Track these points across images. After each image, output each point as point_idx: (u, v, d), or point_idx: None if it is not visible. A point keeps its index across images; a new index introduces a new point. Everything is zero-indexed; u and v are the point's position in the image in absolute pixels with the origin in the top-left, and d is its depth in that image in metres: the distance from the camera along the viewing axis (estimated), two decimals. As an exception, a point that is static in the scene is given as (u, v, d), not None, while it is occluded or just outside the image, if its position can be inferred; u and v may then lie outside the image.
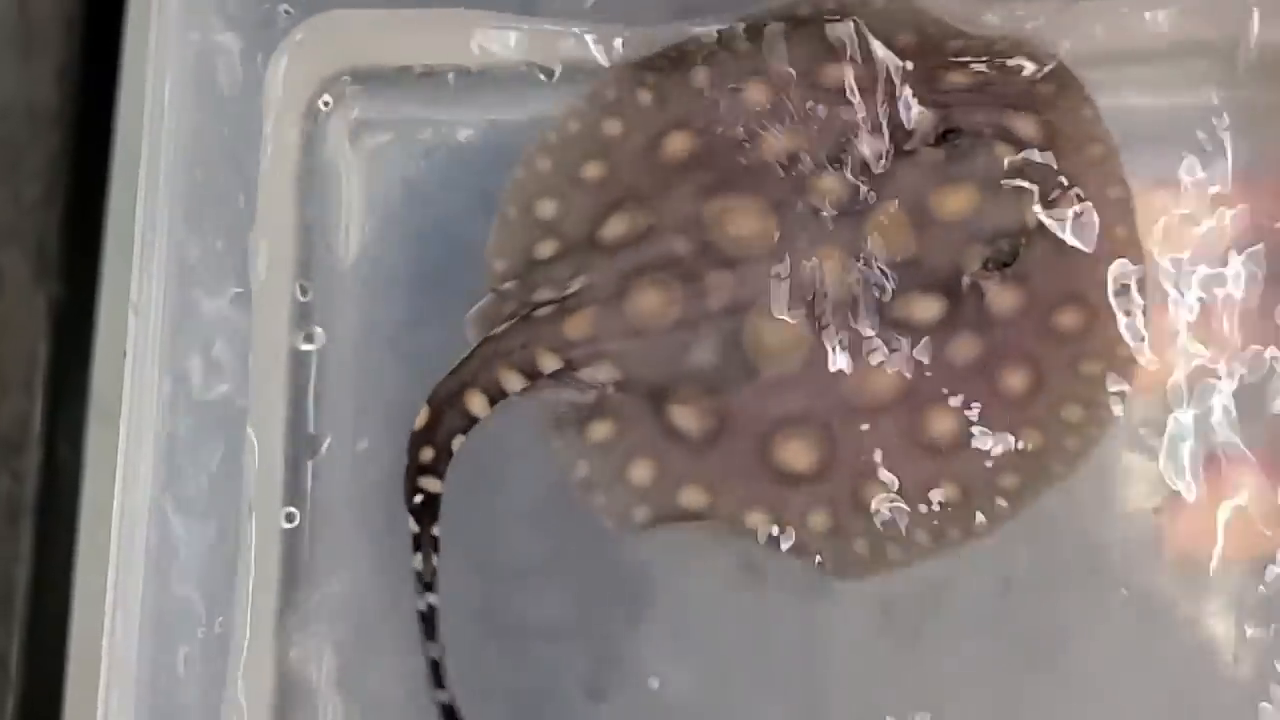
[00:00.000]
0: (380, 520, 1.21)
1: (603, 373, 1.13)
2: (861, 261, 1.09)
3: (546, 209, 1.20)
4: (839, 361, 1.09)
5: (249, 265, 1.26)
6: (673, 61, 1.23)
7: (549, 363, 1.14)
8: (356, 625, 1.23)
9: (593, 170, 1.21)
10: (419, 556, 1.13)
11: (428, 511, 1.14)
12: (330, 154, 1.33)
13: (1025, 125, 1.13)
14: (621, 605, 1.23)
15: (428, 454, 1.14)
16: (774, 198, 1.12)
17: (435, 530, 1.13)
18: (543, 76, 1.31)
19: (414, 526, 1.13)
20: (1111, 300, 1.11)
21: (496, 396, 1.15)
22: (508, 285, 1.18)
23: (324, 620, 1.23)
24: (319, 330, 1.29)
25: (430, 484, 1.14)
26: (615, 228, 1.17)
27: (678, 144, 1.18)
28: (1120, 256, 1.12)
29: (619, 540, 1.17)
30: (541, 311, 1.15)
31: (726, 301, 1.10)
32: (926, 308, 1.09)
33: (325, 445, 1.27)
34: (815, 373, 1.10)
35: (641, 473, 1.14)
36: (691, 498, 1.13)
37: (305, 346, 1.29)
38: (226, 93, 1.27)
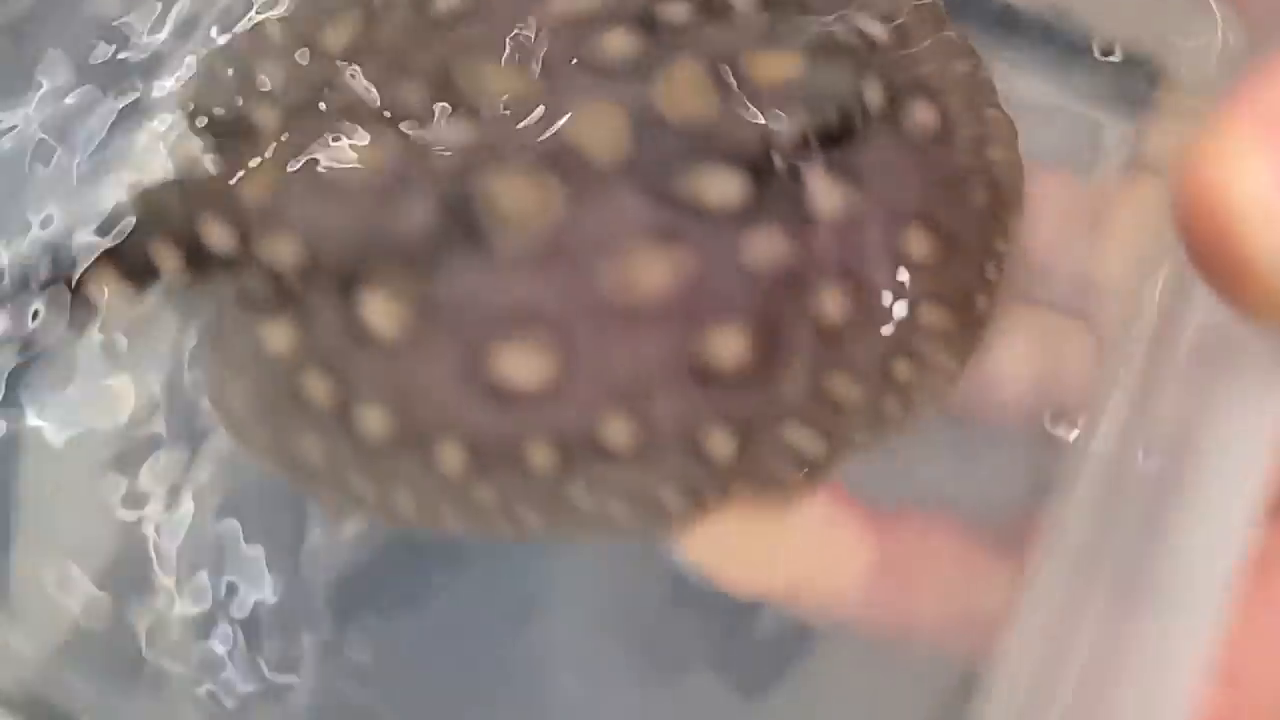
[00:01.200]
0: None
1: (284, 250, 0.82)
2: (641, 121, 0.81)
3: (270, 75, 0.93)
4: (595, 245, 0.79)
5: None
6: None
7: (219, 237, 0.83)
8: None
9: (333, 37, 0.93)
10: None
11: None
12: None
13: (875, 26, 0.88)
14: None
15: None
16: (545, 57, 0.86)
17: None
18: None
19: None
20: (971, 232, 0.82)
21: (142, 279, 0.84)
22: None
23: None
24: None
25: None
26: (336, 36, 0.90)
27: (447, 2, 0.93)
28: (990, 182, 0.84)
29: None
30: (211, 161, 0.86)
31: (457, 157, 0.81)
32: (722, 186, 0.79)
33: None
34: (563, 258, 0.79)
35: (317, 387, 0.80)
36: (373, 420, 0.78)
37: None
38: None
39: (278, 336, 0.81)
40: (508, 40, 0.87)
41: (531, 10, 0.89)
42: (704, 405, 0.76)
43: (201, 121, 0.91)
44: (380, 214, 0.81)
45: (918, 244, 0.80)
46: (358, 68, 0.89)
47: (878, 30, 0.87)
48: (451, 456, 0.77)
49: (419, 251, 0.80)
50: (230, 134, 0.89)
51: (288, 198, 0.83)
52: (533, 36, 0.87)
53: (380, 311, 0.79)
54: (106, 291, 0.83)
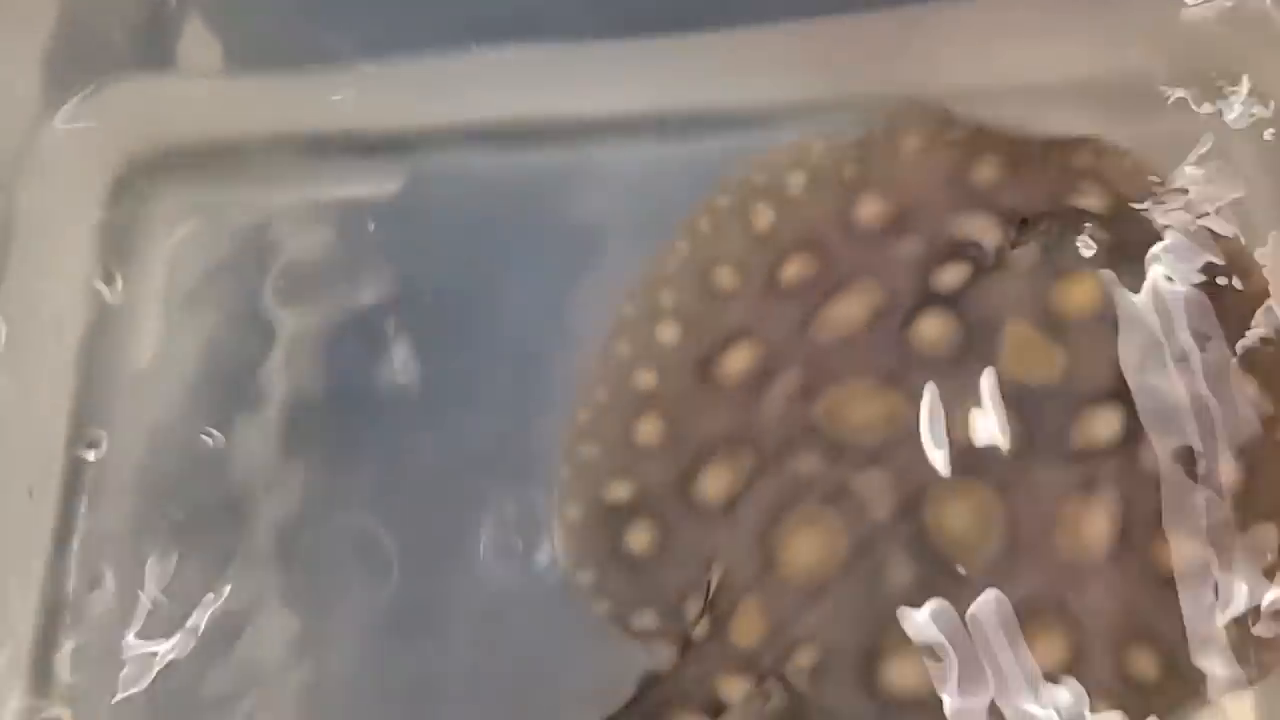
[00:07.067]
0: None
1: (804, 659, 0.88)
2: (1007, 396, 0.90)
3: (620, 491, 0.97)
4: (1039, 528, 0.88)
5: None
6: (684, 267, 1.05)
7: (736, 688, 0.88)
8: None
9: (649, 426, 0.99)
10: None
11: None
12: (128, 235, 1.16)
13: (1089, 200, 0.99)
14: None
15: None
16: (879, 368, 0.94)
17: None
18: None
19: None
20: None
21: None
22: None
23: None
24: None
25: None
26: (716, 483, 0.94)
27: (739, 359, 0.99)
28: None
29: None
30: (698, 631, 0.91)
31: (893, 503, 0.89)
32: (1107, 425, 0.90)
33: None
34: (1022, 549, 0.88)
35: None
36: None
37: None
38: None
39: None
40: (833, 365, 0.95)
41: (821, 331, 0.97)
42: (1181, 608, 0.88)
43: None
44: (869, 590, 0.88)
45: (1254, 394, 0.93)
46: (720, 463, 0.95)
47: (1095, 203, 0.99)
48: None
49: (914, 607, 0.88)
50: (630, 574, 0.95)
51: (782, 618, 0.89)
52: (846, 353, 0.95)
53: (909, 677, 0.87)
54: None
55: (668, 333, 1.03)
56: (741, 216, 1.06)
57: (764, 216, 1.06)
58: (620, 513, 0.97)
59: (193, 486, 1.06)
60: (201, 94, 1.20)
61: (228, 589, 1.01)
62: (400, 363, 1.09)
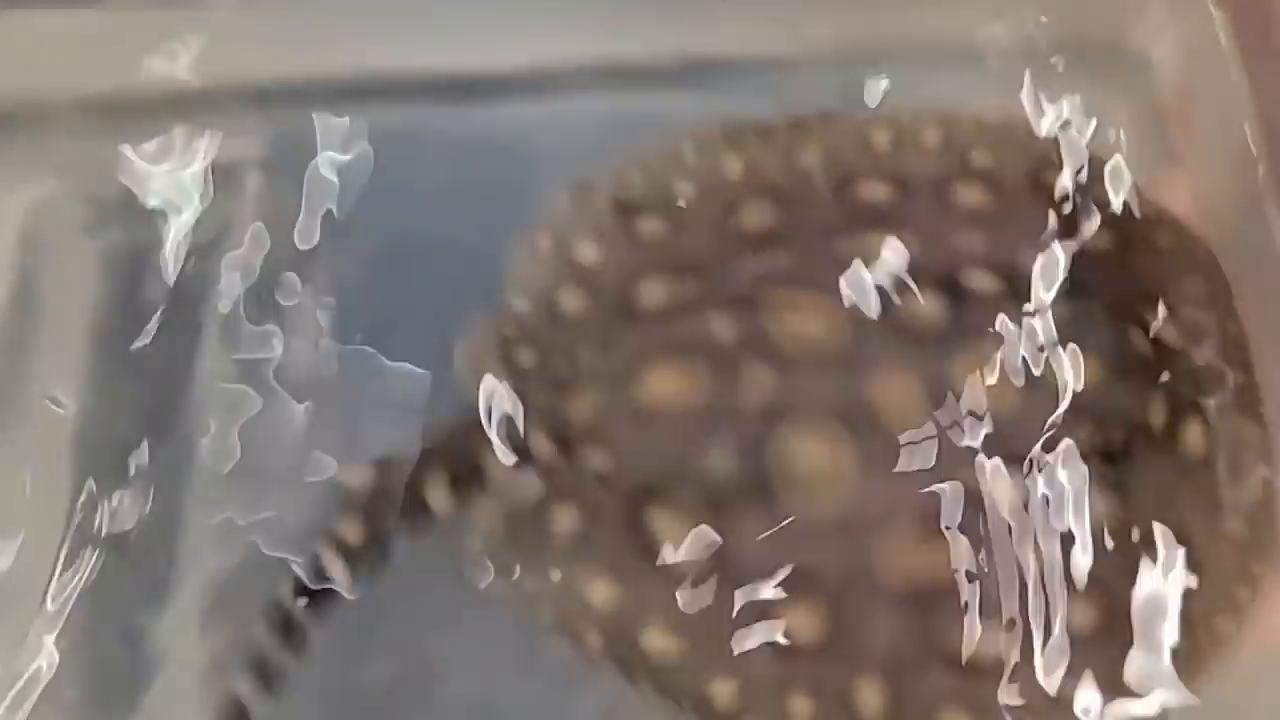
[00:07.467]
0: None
1: (596, 461, 0.89)
2: (941, 404, 0.86)
3: (586, 252, 0.98)
4: (877, 521, 0.85)
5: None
6: (781, 135, 1.03)
7: (540, 445, 0.90)
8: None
9: (649, 226, 0.99)
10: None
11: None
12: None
13: (1165, 320, 0.93)
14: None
15: (352, 533, 0.88)
16: (854, 303, 0.90)
17: None
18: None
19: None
20: (1225, 551, 0.87)
21: (471, 483, 0.90)
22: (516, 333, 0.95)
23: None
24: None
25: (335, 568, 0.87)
26: (654, 294, 0.94)
27: (758, 216, 0.97)
28: (1253, 499, 0.89)
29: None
30: (540, 380, 0.92)
31: (760, 403, 0.87)
32: (1003, 486, 0.85)
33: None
34: (845, 525, 0.85)
35: (602, 594, 0.87)
36: (654, 640, 0.86)
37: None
38: None
39: (564, 520, 0.88)
40: (822, 273, 0.92)
41: (841, 245, 0.93)
42: (953, 689, 0.83)
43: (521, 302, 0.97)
44: (687, 448, 0.87)
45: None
46: (669, 281, 0.94)
47: (1174, 339, 0.92)
48: (722, 690, 0.84)
49: (715, 490, 0.86)
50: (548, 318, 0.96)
51: (608, 415, 0.89)
52: (842, 273, 0.91)
53: (671, 528, 0.86)
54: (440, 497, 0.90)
55: (730, 167, 1.02)
56: (859, 135, 1.03)
57: (881, 138, 1.03)
58: (574, 270, 0.97)
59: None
60: (74, 36, 1.12)
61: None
62: (305, 326, 1.04)
